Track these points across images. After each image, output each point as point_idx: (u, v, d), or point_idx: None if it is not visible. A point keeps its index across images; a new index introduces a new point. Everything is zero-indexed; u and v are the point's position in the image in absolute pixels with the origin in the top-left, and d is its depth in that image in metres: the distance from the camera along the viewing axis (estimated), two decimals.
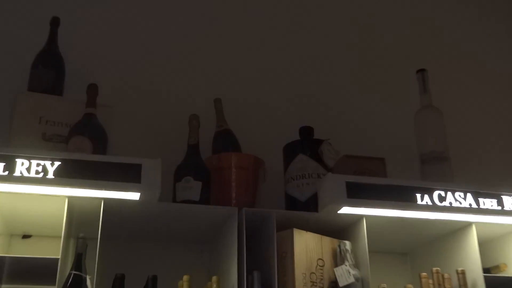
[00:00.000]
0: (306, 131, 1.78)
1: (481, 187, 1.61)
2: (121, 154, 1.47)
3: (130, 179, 1.39)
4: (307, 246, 1.56)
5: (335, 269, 1.57)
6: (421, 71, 1.85)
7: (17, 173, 1.34)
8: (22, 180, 1.34)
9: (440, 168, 1.73)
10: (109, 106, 1.65)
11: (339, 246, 1.60)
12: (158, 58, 1.97)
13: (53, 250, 1.44)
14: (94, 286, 1.34)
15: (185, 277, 1.46)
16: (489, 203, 1.60)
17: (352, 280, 1.53)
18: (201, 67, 2.00)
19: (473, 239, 1.63)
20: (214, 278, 1.48)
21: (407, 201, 1.56)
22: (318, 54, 2.13)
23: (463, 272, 1.60)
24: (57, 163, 1.36)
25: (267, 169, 1.75)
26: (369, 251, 1.55)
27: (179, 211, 1.55)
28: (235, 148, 1.76)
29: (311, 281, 1.53)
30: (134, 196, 1.41)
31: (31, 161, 1.35)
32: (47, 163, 1.36)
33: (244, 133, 1.83)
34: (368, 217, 1.59)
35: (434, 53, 2.24)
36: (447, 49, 2.27)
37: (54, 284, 1.34)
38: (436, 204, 1.57)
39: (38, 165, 1.35)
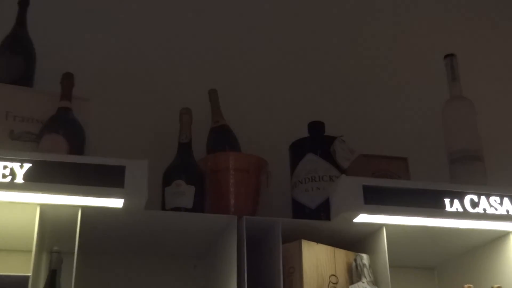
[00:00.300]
0: (316, 127, 1.78)
1: None
2: (101, 154, 1.47)
3: (112, 184, 1.39)
4: (318, 260, 1.56)
5: (350, 287, 1.56)
6: (450, 56, 1.85)
7: None
8: None
9: (472, 168, 1.72)
10: (87, 99, 1.64)
11: (355, 260, 1.60)
12: (145, 44, 1.98)
13: (23, 266, 1.44)
14: None
15: None
16: None
17: None
18: (194, 54, 2.01)
19: (511, 251, 1.63)
20: None
21: (434, 207, 1.56)
22: (328, 39, 2.14)
23: None
24: (27, 165, 1.36)
25: (270, 171, 1.75)
26: (390, 266, 1.55)
27: (169, 220, 1.55)
28: (234, 147, 1.77)
29: None
30: (117, 203, 1.41)
31: None
32: (16, 165, 1.36)
33: (244, 130, 1.83)
34: (388, 226, 1.59)
35: (464, 35, 2.24)
36: (480, 32, 2.27)
37: None
38: (468, 211, 1.57)
39: (5, 167, 1.35)
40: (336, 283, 1.57)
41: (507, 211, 1.59)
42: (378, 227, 1.60)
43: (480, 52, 2.23)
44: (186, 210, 1.56)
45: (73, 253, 1.38)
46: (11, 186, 1.34)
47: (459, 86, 1.82)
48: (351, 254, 1.62)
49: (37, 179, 1.35)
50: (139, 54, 1.96)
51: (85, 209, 1.42)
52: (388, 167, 1.77)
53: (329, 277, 1.57)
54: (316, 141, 1.74)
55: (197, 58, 2.00)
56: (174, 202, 1.57)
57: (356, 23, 2.19)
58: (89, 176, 1.38)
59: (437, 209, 1.56)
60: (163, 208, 1.58)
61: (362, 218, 1.55)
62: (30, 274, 1.35)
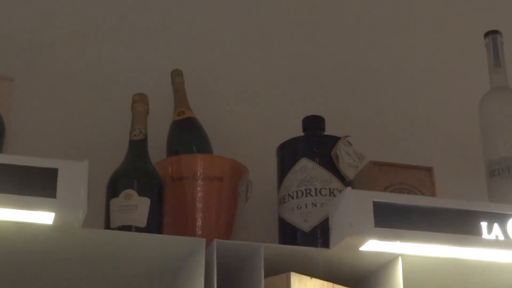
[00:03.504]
0: (314, 123, 1.78)
1: None
2: (26, 152, 1.46)
3: (40, 192, 1.38)
4: None
5: None
6: (492, 33, 1.86)
7: None
8: None
9: None
10: (8, 79, 1.64)
11: None
12: (87, 14, 1.98)
13: None
14: None
15: None
16: None
17: None
18: (153, 25, 2.01)
19: None
20: None
21: (467, 234, 1.56)
22: (333, 20, 2.15)
23: None
24: None
25: (251, 181, 1.76)
26: None
27: (115, 242, 1.54)
28: (203, 147, 1.77)
29: None
30: (46, 218, 1.40)
31: None
32: None
33: (217, 125, 1.84)
34: (406, 257, 1.59)
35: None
36: None
37: None
38: (511, 239, 1.58)
39: None
40: None
41: None
42: (392, 258, 1.60)
43: None
44: (138, 229, 1.55)
45: None
46: None
47: (504, 73, 1.83)
48: None
49: None
50: (79, 23, 1.96)
51: (3, 226, 1.41)
52: (407, 179, 1.79)
53: None
54: (313, 142, 1.75)
55: (157, 31, 2.01)
56: (123, 218, 1.56)
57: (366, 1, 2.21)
58: (7, 181, 1.37)
59: (470, 236, 1.56)
60: (108, 226, 1.58)
61: (372, 245, 1.55)
62: None
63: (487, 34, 1.87)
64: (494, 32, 1.86)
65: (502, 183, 1.75)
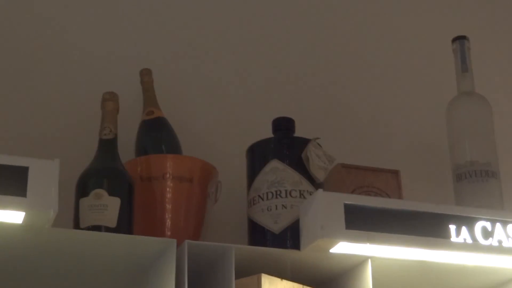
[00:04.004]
0: (284, 125, 1.78)
1: None
2: None
3: (9, 191, 1.37)
4: None
5: None
6: (460, 39, 1.88)
7: None
8: None
9: (484, 187, 1.76)
10: None
11: None
12: (57, 11, 1.96)
13: None
14: None
15: None
16: None
17: None
18: (123, 25, 2.00)
19: None
20: None
21: (436, 236, 1.57)
22: (304, 18, 2.16)
23: None
24: None
25: (221, 181, 1.76)
26: None
27: (85, 242, 1.53)
28: (173, 147, 1.77)
29: None
30: (15, 217, 1.39)
31: None
32: None
33: (187, 125, 1.84)
34: (375, 259, 1.60)
35: (476, 15, 2.28)
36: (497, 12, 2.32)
37: None
38: (479, 242, 1.59)
39: None
40: None
41: None
42: (362, 260, 1.61)
43: (496, 36, 2.28)
44: (108, 229, 1.54)
45: None
46: None
47: (471, 78, 1.85)
48: None
49: None
50: (49, 20, 1.94)
51: None
52: (373, 182, 1.79)
53: None
54: (283, 144, 1.75)
55: (127, 30, 2.00)
56: (92, 218, 1.55)
57: (337, 4, 2.22)
58: None
59: (439, 239, 1.57)
60: (77, 226, 1.56)
61: (342, 247, 1.55)
62: None
63: (455, 40, 1.89)
64: (462, 38, 1.88)
65: (469, 187, 1.77)
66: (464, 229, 1.59)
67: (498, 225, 1.62)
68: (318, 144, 1.73)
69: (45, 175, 1.39)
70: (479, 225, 1.61)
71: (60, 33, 1.94)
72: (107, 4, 2.01)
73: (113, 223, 1.55)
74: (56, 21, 1.94)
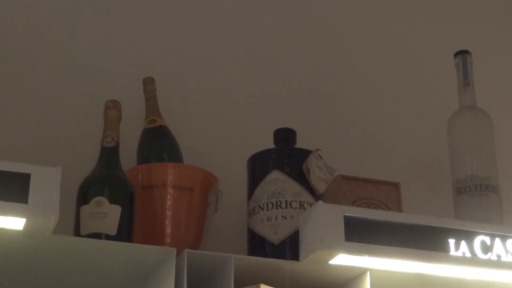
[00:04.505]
0: (285, 136, 1.78)
1: None
2: None
3: (11, 197, 1.37)
4: None
5: None
6: (462, 53, 1.88)
7: None
8: None
9: (484, 201, 1.76)
10: None
11: None
12: (62, 19, 1.96)
13: None
14: None
15: None
16: None
17: None
18: (126, 33, 2.01)
19: None
20: None
21: (435, 250, 1.58)
22: (307, 29, 2.16)
23: None
24: None
25: (221, 191, 1.76)
26: None
27: (85, 250, 1.53)
28: (174, 156, 1.77)
29: None
30: (16, 223, 1.39)
31: None
32: None
33: (188, 134, 1.84)
34: (374, 271, 1.60)
35: (479, 30, 2.29)
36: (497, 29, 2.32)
37: None
38: (477, 257, 1.60)
39: None
40: None
41: None
42: (360, 272, 1.61)
43: (498, 51, 2.28)
44: (108, 237, 1.54)
45: None
46: None
47: (472, 93, 1.85)
48: None
49: None
50: (54, 28, 1.94)
51: None
52: (373, 194, 1.79)
53: None
54: (284, 155, 1.75)
55: (130, 38, 2.00)
56: (93, 226, 1.55)
57: (340, 11, 2.23)
58: None
59: (438, 252, 1.58)
60: (77, 233, 1.56)
61: (342, 259, 1.55)
62: None
63: (457, 54, 1.89)
64: (464, 52, 1.88)
65: (469, 201, 1.77)
66: (463, 243, 1.60)
67: (497, 239, 1.62)
68: (319, 155, 1.73)
69: (47, 182, 1.39)
70: (478, 240, 1.61)
71: (63, 41, 1.94)
72: (111, 13, 2.01)
73: (113, 231, 1.55)
74: (58, 30, 1.95)
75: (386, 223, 1.57)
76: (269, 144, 1.78)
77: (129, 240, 1.57)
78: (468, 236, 1.60)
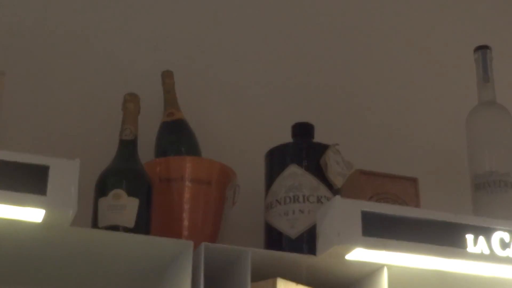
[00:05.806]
0: (303, 130, 1.79)
1: None
2: (16, 149, 1.45)
3: (30, 189, 1.37)
4: None
5: None
6: (482, 48, 1.87)
7: None
8: None
9: (503, 198, 1.75)
10: (0, 73, 1.64)
11: None
12: (80, 13, 1.97)
13: None
14: None
15: None
16: None
17: None
18: (145, 27, 2.01)
19: None
20: None
21: (453, 246, 1.57)
22: (325, 26, 2.16)
23: None
24: None
25: (239, 185, 1.76)
26: None
27: (102, 242, 1.54)
28: (192, 149, 1.77)
29: None
30: (35, 215, 1.40)
31: None
32: None
33: (206, 128, 1.84)
34: (391, 267, 1.60)
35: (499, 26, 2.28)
36: None
37: None
38: (495, 253, 1.59)
39: None
40: None
41: None
42: (377, 267, 1.61)
43: None
44: (126, 230, 1.55)
45: None
46: None
47: (492, 88, 1.85)
48: None
49: None
50: (72, 22, 1.95)
51: None
52: (391, 189, 1.79)
53: None
54: (302, 149, 1.75)
55: (149, 32, 2.00)
56: (111, 218, 1.55)
57: (360, 5, 2.22)
58: None
59: (456, 249, 1.57)
60: (95, 225, 1.57)
61: (359, 254, 1.56)
62: None
63: (477, 49, 1.88)
64: (484, 47, 1.87)
65: (487, 197, 1.76)
66: (481, 239, 1.59)
67: None
68: (337, 150, 1.73)
69: (66, 174, 1.40)
70: (496, 236, 1.60)
71: (83, 34, 1.95)
72: (130, 6, 2.01)
73: (131, 224, 1.56)
74: (78, 23, 1.95)
75: (403, 219, 1.57)
76: (287, 138, 1.78)
77: (147, 232, 1.58)
78: (486, 232, 1.60)
